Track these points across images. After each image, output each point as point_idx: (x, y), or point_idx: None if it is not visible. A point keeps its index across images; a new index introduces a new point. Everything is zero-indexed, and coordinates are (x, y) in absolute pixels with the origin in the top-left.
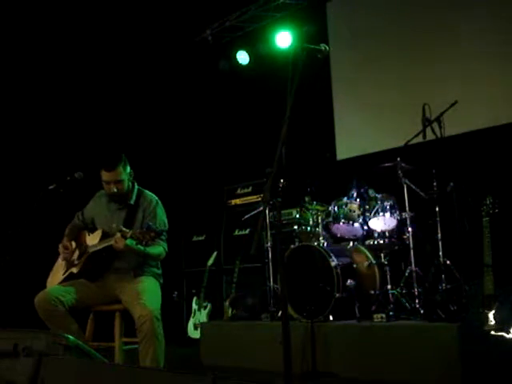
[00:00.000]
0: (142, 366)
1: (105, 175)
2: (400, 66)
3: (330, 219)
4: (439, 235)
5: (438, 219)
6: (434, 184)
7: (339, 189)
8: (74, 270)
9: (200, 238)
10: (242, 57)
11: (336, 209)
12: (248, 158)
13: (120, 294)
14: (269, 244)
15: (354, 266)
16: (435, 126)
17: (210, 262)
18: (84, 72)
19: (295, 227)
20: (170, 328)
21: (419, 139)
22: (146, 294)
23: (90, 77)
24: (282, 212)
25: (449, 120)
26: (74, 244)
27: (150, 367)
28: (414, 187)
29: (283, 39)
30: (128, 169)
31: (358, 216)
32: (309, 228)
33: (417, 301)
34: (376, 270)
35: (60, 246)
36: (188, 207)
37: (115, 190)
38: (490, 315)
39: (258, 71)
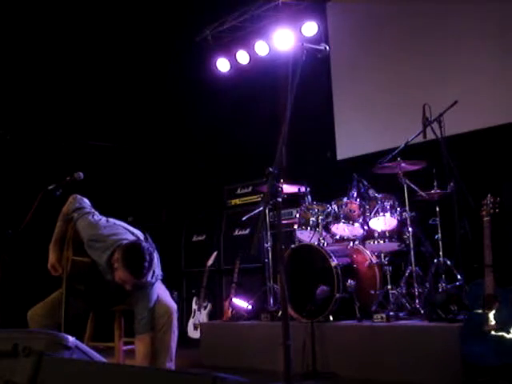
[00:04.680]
0: (141, 366)
1: (128, 277)
2: (400, 66)
3: (330, 219)
4: (439, 235)
5: (438, 219)
6: (434, 184)
7: (339, 189)
8: None
9: (200, 238)
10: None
11: (336, 209)
12: (248, 158)
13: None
14: (269, 244)
15: (354, 266)
16: (435, 126)
17: (210, 262)
18: (84, 72)
19: (295, 227)
20: None
21: (419, 139)
22: (162, 292)
23: (90, 77)
24: (282, 212)
25: (449, 120)
26: None
27: (150, 367)
28: (414, 187)
29: (283, 39)
30: None
31: (358, 216)
32: (309, 228)
33: (417, 301)
34: (376, 270)
35: None
36: (188, 207)
37: (128, 287)
38: (490, 315)
39: (258, 71)
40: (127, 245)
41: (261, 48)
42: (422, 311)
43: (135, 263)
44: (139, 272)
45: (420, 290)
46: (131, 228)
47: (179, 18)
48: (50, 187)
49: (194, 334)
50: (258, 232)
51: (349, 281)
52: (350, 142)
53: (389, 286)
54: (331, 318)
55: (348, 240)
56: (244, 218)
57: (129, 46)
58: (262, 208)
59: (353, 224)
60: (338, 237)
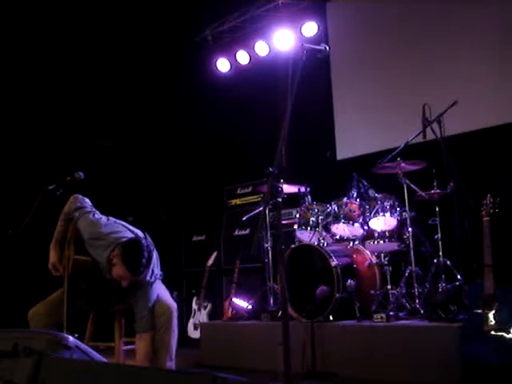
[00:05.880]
0: (141, 366)
1: (125, 273)
2: (400, 66)
3: (330, 219)
4: (439, 235)
5: (438, 219)
6: (434, 184)
7: (339, 189)
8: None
9: (200, 238)
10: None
11: (336, 209)
12: (248, 158)
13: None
14: (269, 244)
15: (354, 266)
16: (435, 126)
17: (210, 262)
18: (84, 72)
19: (295, 227)
20: None
21: (419, 139)
22: (162, 292)
23: (90, 77)
24: (282, 212)
25: (449, 120)
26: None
27: (150, 367)
28: (413, 187)
29: (283, 39)
30: None
31: (358, 216)
32: (309, 228)
33: (417, 301)
34: (376, 270)
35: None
36: (188, 207)
37: (125, 284)
38: (490, 315)
39: (258, 71)
40: (126, 241)
41: (261, 48)
42: (422, 311)
43: (133, 259)
44: (136, 268)
45: (420, 290)
46: (131, 227)
47: (179, 18)
48: (50, 187)
49: (194, 333)
50: (258, 232)
51: (349, 281)
52: (349, 142)
53: (389, 286)
54: (331, 318)
55: (348, 240)
56: (244, 218)
57: (129, 46)
58: (261, 208)
59: (353, 224)
60: (338, 237)
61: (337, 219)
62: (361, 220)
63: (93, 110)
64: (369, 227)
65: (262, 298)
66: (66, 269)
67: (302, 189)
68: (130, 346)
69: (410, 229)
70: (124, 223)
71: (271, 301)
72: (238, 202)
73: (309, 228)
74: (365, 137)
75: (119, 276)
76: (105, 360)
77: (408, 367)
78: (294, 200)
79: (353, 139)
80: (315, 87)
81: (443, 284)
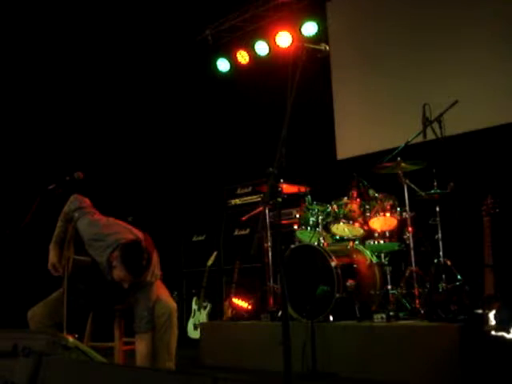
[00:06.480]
0: (141, 366)
1: (125, 276)
2: (400, 66)
3: (330, 219)
4: (439, 235)
5: (438, 219)
6: (434, 184)
7: (339, 189)
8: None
9: (200, 238)
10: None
11: (336, 209)
12: (248, 158)
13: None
14: (269, 244)
15: (354, 265)
16: (435, 126)
17: (210, 262)
18: (84, 72)
19: (295, 227)
20: None
21: (419, 139)
22: (162, 292)
23: (90, 77)
24: (282, 212)
25: (449, 120)
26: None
27: (150, 367)
28: (414, 187)
29: (283, 39)
30: None
31: (358, 216)
32: (309, 228)
33: (417, 301)
34: (376, 270)
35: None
36: (188, 207)
37: (125, 286)
38: (490, 315)
39: (258, 71)
40: (126, 243)
41: (261, 48)
42: (422, 311)
43: (133, 262)
44: (137, 271)
45: (420, 290)
46: (131, 227)
47: (179, 18)
48: (50, 187)
49: (194, 333)
50: (258, 232)
51: (349, 281)
52: (350, 142)
53: (389, 286)
54: (331, 318)
55: (348, 240)
56: (244, 218)
57: (129, 45)
58: (261, 208)
59: (353, 224)
60: (337, 237)
61: (337, 219)
62: (361, 220)
63: (93, 109)
64: (369, 227)
65: (261, 298)
66: (65, 269)
67: (302, 189)
68: (130, 346)
69: (410, 229)
70: (124, 224)
71: (271, 301)
72: (237, 201)
73: (309, 228)
74: (365, 137)
75: (120, 278)
76: (105, 360)
77: (408, 367)
78: (294, 200)
79: (353, 139)
80: (315, 87)
81: (443, 284)
